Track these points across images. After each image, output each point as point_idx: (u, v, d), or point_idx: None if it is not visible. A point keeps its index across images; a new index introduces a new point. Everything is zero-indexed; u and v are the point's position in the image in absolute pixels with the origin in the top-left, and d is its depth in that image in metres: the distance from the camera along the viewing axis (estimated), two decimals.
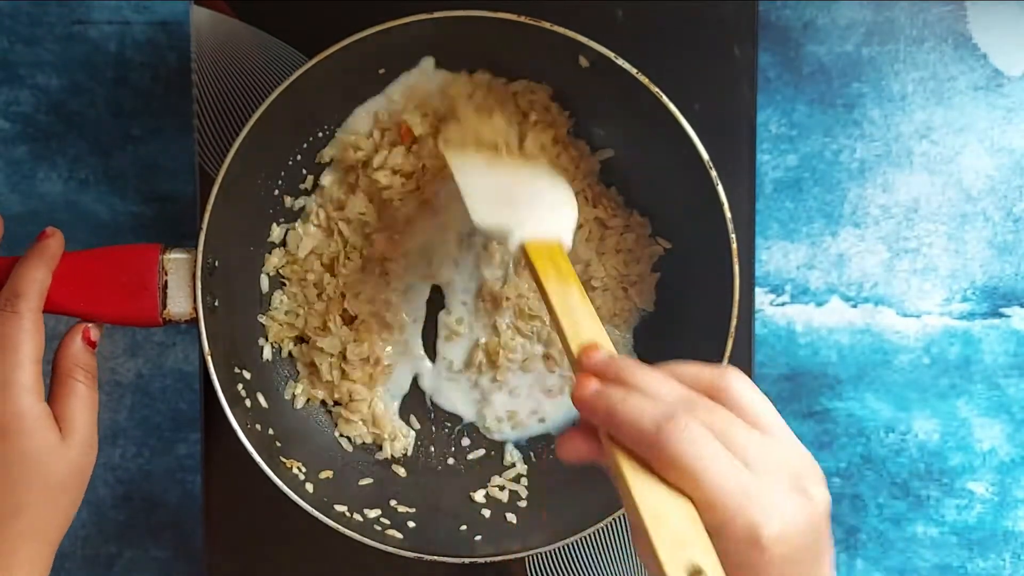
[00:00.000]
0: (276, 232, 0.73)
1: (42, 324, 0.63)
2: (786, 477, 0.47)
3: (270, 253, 0.73)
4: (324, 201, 0.73)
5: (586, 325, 0.55)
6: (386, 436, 0.75)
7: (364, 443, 0.75)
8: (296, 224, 0.73)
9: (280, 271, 0.74)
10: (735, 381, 0.49)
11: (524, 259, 0.61)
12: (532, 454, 0.75)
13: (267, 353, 0.74)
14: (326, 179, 0.73)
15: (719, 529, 0.45)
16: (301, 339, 0.74)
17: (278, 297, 0.74)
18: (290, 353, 0.74)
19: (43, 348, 0.62)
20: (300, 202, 0.73)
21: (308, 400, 0.74)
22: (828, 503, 0.48)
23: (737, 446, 0.46)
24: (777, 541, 0.45)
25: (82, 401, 0.64)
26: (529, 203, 0.66)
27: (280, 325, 0.73)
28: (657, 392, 0.48)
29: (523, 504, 0.73)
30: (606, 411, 0.48)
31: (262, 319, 0.73)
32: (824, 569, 0.48)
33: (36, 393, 0.61)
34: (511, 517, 0.73)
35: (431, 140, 0.71)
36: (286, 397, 0.74)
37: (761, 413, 0.48)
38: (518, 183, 0.68)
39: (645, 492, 0.45)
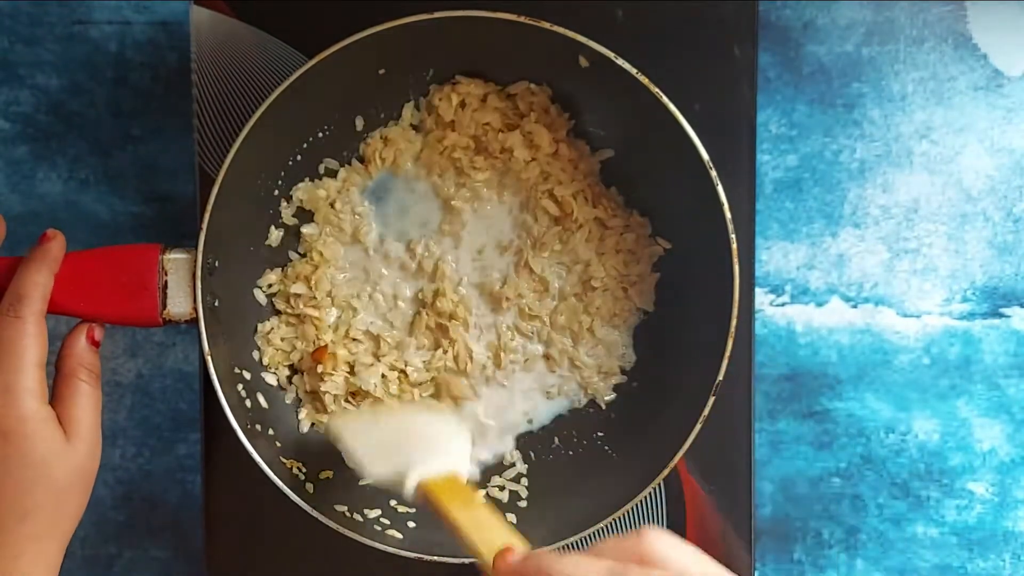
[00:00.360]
0: (274, 235, 0.73)
1: (45, 327, 0.63)
2: None
3: (270, 269, 0.73)
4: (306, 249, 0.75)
5: (498, 533, 0.54)
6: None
7: None
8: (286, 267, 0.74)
9: (273, 300, 0.74)
10: (656, 541, 0.48)
11: (425, 498, 0.61)
12: (532, 454, 0.75)
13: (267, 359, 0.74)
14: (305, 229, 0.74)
15: None
16: (295, 368, 0.75)
17: (273, 322, 0.74)
18: (289, 379, 0.74)
19: (46, 351, 0.62)
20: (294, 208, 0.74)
21: (314, 424, 0.74)
22: None
23: None
24: None
25: (86, 401, 0.64)
26: (419, 444, 0.66)
27: (275, 350, 0.73)
28: (587, 574, 0.47)
29: (523, 504, 0.73)
30: None
31: (257, 339, 0.73)
32: None
33: (40, 397, 0.61)
34: (511, 517, 0.73)
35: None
36: (302, 425, 0.74)
37: (689, 565, 0.48)
38: (404, 427, 0.69)
39: None
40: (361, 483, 0.66)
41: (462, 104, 0.72)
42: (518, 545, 0.53)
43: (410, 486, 0.62)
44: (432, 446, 0.66)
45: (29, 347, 0.61)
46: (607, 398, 0.75)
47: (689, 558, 0.48)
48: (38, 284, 0.63)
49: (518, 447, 0.75)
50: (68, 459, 0.62)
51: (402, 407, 0.72)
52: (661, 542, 0.48)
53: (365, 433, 0.68)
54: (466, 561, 0.68)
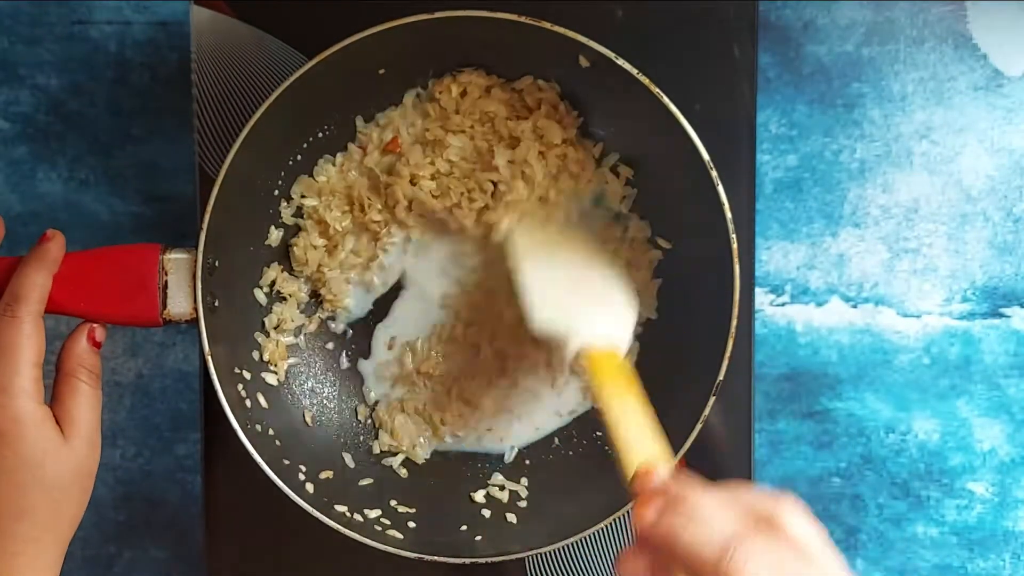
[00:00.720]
0: (274, 235, 0.73)
1: (42, 328, 0.63)
2: None
3: (268, 267, 0.73)
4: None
5: (642, 440, 0.55)
6: (404, 448, 0.75)
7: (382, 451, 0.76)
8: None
9: (280, 289, 0.74)
10: (793, 513, 0.49)
11: (583, 366, 0.61)
12: (532, 453, 0.75)
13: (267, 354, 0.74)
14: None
15: None
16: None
17: (275, 317, 0.74)
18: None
19: (43, 352, 0.62)
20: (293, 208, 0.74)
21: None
22: None
23: None
24: None
25: (86, 401, 0.64)
26: (588, 304, 0.66)
27: (276, 347, 0.73)
28: (715, 520, 0.48)
29: (523, 504, 0.73)
30: (666, 538, 0.48)
31: (259, 337, 0.73)
32: None
33: (36, 397, 0.61)
34: (511, 517, 0.73)
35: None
36: (307, 422, 0.74)
37: (815, 549, 0.48)
38: (578, 280, 0.68)
39: None
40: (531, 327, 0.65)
41: (463, 93, 0.72)
42: (660, 465, 0.53)
43: (572, 350, 0.61)
44: (602, 308, 0.65)
45: (26, 347, 0.61)
46: None
47: (816, 540, 0.48)
48: (36, 285, 0.63)
49: (519, 447, 0.76)
50: (66, 459, 0.62)
51: (586, 253, 0.70)
52: (796, 514, 0.49)
53: (543, 270, 0.67)
54: (467, 561, 0.68)
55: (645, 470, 0.53)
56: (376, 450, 0.75)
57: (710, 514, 0.48)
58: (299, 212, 0.74)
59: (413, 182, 0.72)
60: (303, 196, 0.73)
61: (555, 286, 0.66)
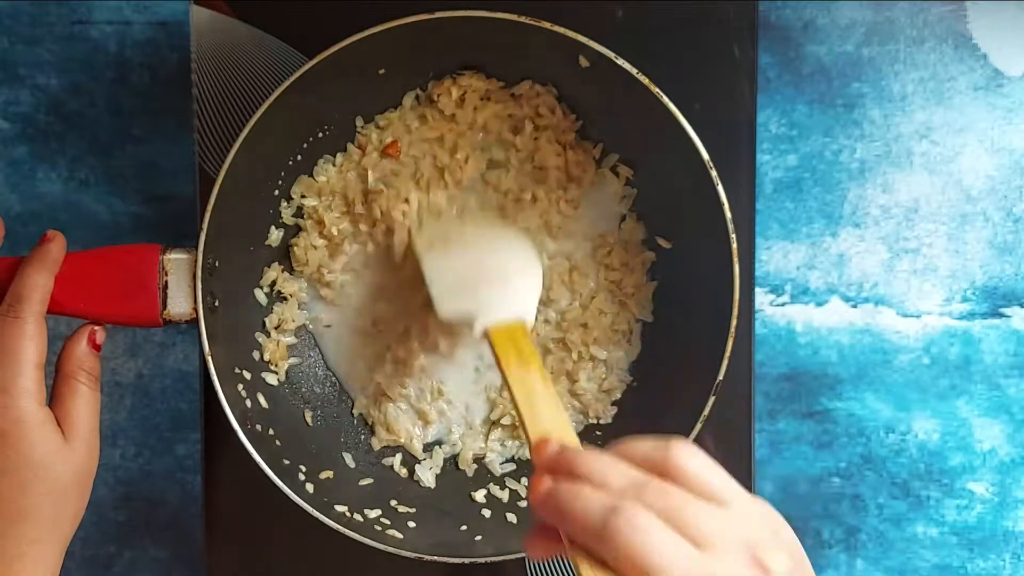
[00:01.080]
0: (274, 235, 0.73)
1: (44, 328, 0.63)
2: (742, 551, 0.46)
3: (268, 267, 0.73)
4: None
5: (544, 413, 0.55)
6: (403, 441, 0.75)
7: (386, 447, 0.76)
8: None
9: (280, 289, 0.74)
10: (682, 455, 0.47)
11: (488, 345, 0.63)
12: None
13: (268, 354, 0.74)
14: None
15: None
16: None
17: (275, 317, 0.74)
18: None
19: (45, 353, 0.62)
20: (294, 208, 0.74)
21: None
22: (788, 570, 0.46)
23: (689, 526, 0.45)
24: None
25: (85, 403, 0.64)
26: (492, 282, 0.67)
27: (277, 347, 0.74)
28: (605, 480, 0.47)
29: (523, 504, 0.73)
30: (557, 512, 0.47)
31: (259, 337, 0.73)
32: None
33: (38, 398, 0.61)
34: (511, 517, 0.73)
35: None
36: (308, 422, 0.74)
37: (713, 485, 0.47)
38: (482, 259, 0.69)
39: None
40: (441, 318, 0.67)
41: (462, 97, 0.72)
42: (559, 431, 0.53)
43: (478, 331, 0.64)
44: (505, 285, 0.67)
45: (28, 348, 0.61)
46: (608, 419, 0.75)
47: (711, 478, 0.47)
48: (38, 285, 0.63)
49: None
50: (66, 460, 0.62)
51: (479, 234, 0.72)
52: (687, 456, 0.47)
53: (442, 265, 0.69)
54: (466, 561, 0.68)
55: (541, 441, 0.52)
56: (376, 446, 0.75)
57: (597, 475, 0.47)
58: (299, 212, 0.74)
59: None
60: (303, 196, 0.73)
61: (454, 274, 0.68)
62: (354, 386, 0.76)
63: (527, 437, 0.54)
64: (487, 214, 0.73)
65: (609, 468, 0.48)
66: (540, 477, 0.49)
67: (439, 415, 0.75)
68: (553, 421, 0.55)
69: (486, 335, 0.63)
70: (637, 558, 0.44)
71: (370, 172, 0.72)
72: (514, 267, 0.69)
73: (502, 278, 0.68)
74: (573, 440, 0.53)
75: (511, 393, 0.57)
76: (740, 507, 0.47)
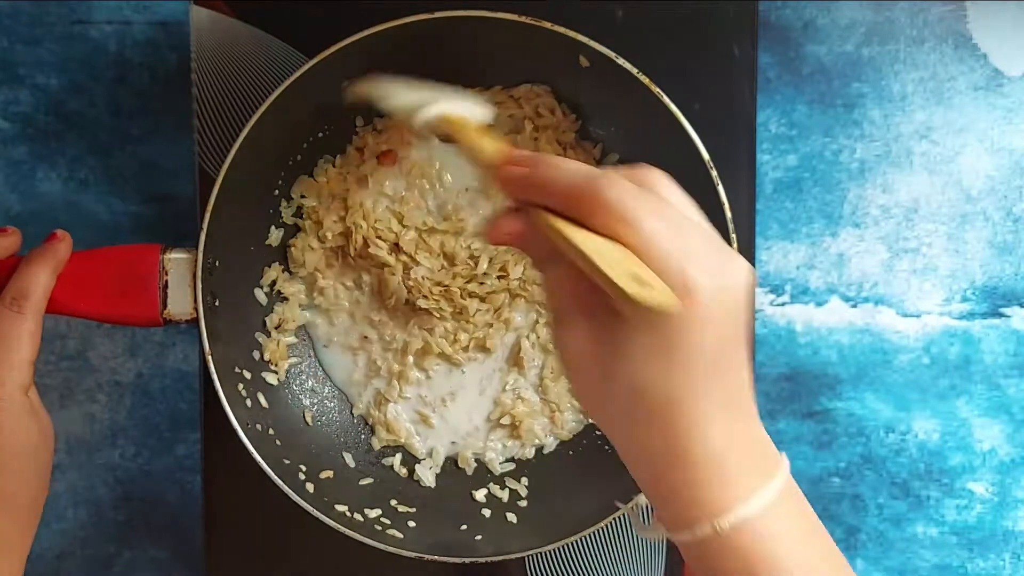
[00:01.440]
0: (274, 235, 0.73)
1: (41, 325, 0.63)
2: (711, 240, 0.47)
3: (268, 266, 0.73)
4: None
5: (504, 146, 0.53)
6: (403, 440, 0.75)
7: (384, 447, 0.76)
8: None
9: (280, 289, 0.74)
10: (659, 177, 0.49)
11: (439, 126, 0.59)
12: (532, 453, 0.75)
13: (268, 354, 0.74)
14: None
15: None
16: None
17: (276, 317, 0.74)
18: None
19: (38, 350, 0.63)
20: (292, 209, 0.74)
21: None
22: (751, 272, 0.48)
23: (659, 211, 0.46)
24: (707, 292, 0.44)
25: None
26: (444, 97, 0.63)
27: (277, 347, 0.74)
28: (580, 165, 0.48)
29: (523, 504, 0.73)
30: (538, 178, 0.47)
31: (259, 337, 0.73)
32: (742, 337, 0.47)
33: (25, 391, 0.62)
34: (511, 517, 0.73)
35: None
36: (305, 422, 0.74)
37: (672, 197, 0.48)
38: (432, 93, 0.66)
39: (583, 237, 0.45)
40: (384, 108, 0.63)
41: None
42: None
43: (428, 112, 0.59)
44: (456, 102, 0.63)
45: (26, 344, 0.62)
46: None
47: (677, 194, 0.48)
48: (41, 283, 0.63)
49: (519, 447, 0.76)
50: (45, 441, 0.64)
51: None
52: (663, 178, 0.48)
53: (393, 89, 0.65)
54: (466, 561, 0.68)
55: (506, 150, 0.51)
56: (376, 447, 0.75)
57: (570, 162, 0.48)
58: (299, 212, 0.74)
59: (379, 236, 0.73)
60: (303, 196, 0.73)
61: (408, 90, 0.64)
62: (351, 391, 0.76)
63: (485, 158, 0.52)
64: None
65: (573, 163, 0.48)
66: (513, 163, 0.49)
67: (440, 417, 0.75)
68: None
69: (437, 119, 0.59)
70: (623, 211, 0.45)
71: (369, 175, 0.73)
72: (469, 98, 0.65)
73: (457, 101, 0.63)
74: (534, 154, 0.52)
75: (467, 144, 0.55)
76: (702, 221, 0.49)
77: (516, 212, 0.50)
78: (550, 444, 0.75)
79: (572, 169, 0.47)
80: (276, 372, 0.73)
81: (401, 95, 0.62)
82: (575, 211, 0.46)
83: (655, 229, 0.44)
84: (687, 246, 0.45)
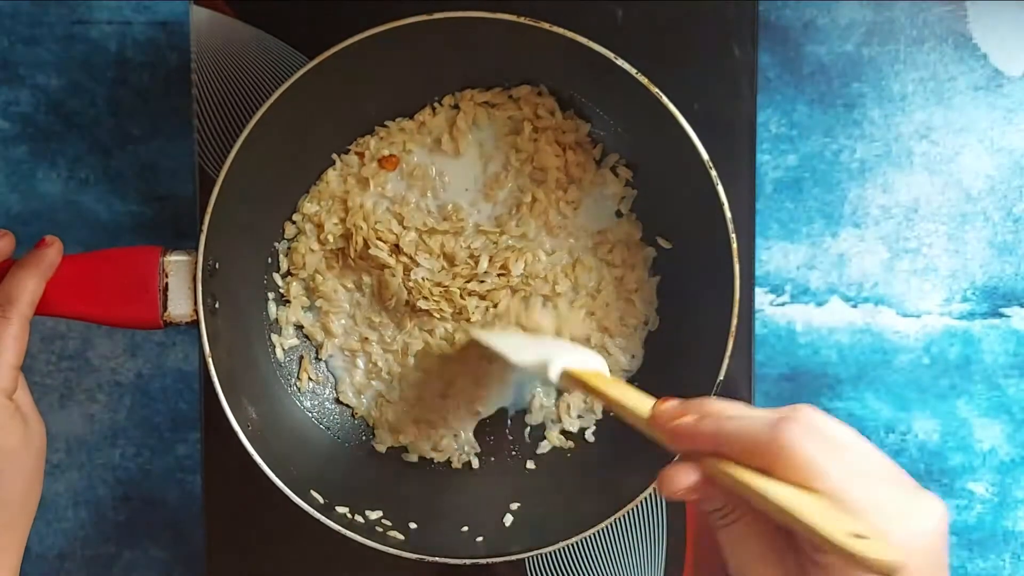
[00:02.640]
0: (275, 236, 0.73)
1: (28, 331, 0.63)
2: (899, 483, 0.45)
3: (269, 268, 0.74)
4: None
5: (645, 397, 0.53)
6: (404, 442, 0.76)
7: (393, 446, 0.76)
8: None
9: (281, 291, 0.75)
10: (809, 412, 0.46)
11: (571, 383, 0.61)
12: (532, 453, 0.75)
13: (279, 354, 0.74)
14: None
15: None
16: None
17: (276, 319, 0.74)
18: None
19: (24, 354, 0.63)
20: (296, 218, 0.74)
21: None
22: (944, 512, 0.45)
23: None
24: (904, 542, 0.43)
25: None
26: (563, 349, 0.66)
27: (278, 348, 0.74)
28: (746, 411, 0.47)
29: (523, 504, 0.73)
30: (713, 429, 0.46)
31: (260, 339, 0.74)
32: None
33: (9, 395, 0.62)
34: (511, 517, 0.73)
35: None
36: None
37: (846, 437, 0.46)
38: (548, 341, 0.71)
39: (775, 489, 0.43)
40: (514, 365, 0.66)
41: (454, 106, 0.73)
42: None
43: (555, 370, 0.61)
44: (576, 352, 0.65)
45: (11, 349, 0.62)
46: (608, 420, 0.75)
47: (844, 433, 0.46)
48: (28, 289, 0.63)
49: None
50: (30, 445, 0.63)
51: (540, 334, 0.73)
52: (818, 414, 0.46)
53: (510, 339, 0.69)
54: (467, 562, 0.68)
55: (659, 402, 0.51)
56: (377, 448, 0.75)
57: (737, 409, 0.47)
58: (300, 214, 0.74)
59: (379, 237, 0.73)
60: (304, 199, 0.73)
61: (527, 344, 0.68)
62: (352, 392, 0.75)
63: (638, 416, 0.52)
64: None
65: (743, 407, 0.47)
66: (677, 412, 0.48)
67: (441, 418, 0.75)
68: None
69: (566, 375, 0.61)
70: (813, 458, 0.43)
71: (371, 178, 0.73)
72: (581, 348, 0.69)
73: (572, 348, 0.68)
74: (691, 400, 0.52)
75: (607, 399, 0.55)
76: (879, 457, 0.46)
77: (688, 462, 0.48)
78: (546, 446, 0.75)
79: (744, 418, 0.46)
80: (277, 373, 0.73)
81: (521, 353, 0.64)
82: (755, 461, 0.45)
83: (843, 479, 0.43)
84: (877, 495, 0.44)
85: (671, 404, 0.50)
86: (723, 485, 0.46)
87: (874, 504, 0.43)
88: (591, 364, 0.62)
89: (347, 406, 0.75)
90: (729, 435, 0.46)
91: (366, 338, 0.75)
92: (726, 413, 0.47)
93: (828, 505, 0.43)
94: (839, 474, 0.43)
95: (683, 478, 0.47)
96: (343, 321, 0.75)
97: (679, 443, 0.48)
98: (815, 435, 0.44)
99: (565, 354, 0.63)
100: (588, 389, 0.58)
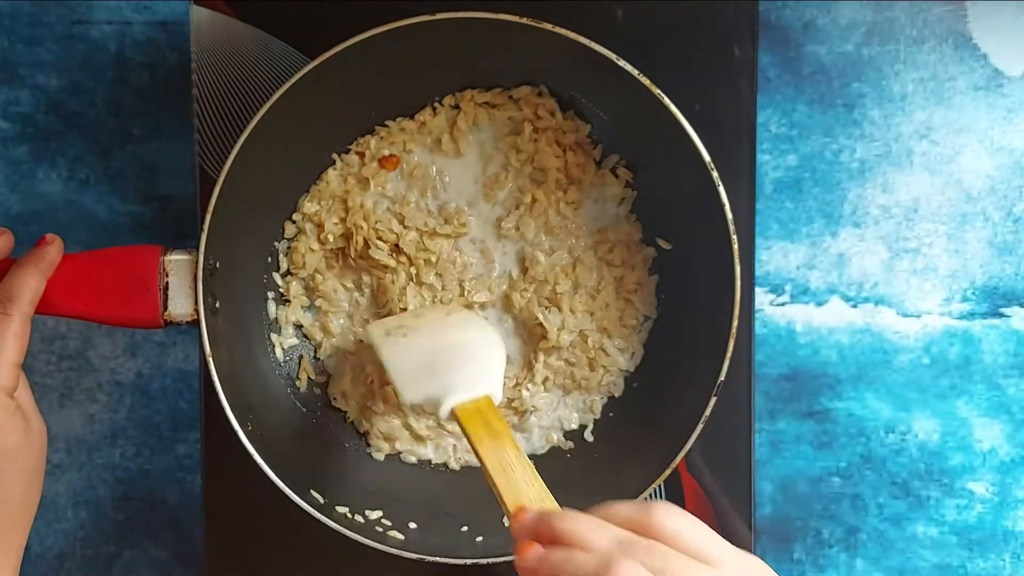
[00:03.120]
0: (275, 236, 0.73)
1: (29, 330, 0.63)
2: None
3: (269, 268, 0.74)
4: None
5: (520, 482, 0.55)
6: (400, 446, 0.75)
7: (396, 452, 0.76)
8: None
9: (281, 290, 0.74)
10: (666, 515, 0.48)
11: (458, 424, 0.62)
12: (532, 453, 0.75)
13: (279, 353, 0.74)
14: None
15: None
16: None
17: (276, 318, 0.74)
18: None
19: (25, 352, 0.63)
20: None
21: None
22: None
23: None
24: None
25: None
26: (453, 363, 0.66)
27: (278, 348, 0.74)
28: (591, 541, 0.48)
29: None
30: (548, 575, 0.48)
31: (260, 338, 0.74)
32: None
33: (10, 392, 0.62)
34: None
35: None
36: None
37: (702, 543, 0.48)
38: (440, 341, 0.68)
39: None
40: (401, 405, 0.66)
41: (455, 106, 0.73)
42: (537, 499, 0.53)
43: (445, 411, 0.63)
44: (468, 366, 0.66)
45: (12, 346, 0.62)
46: (609, 421, 0.75)
47: (698, 537, 0.47)
48: (29, 286, 0.63)
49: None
50: (30, 444, 0.63)
51: (435, 319, 0.71)
52: (671, 516, 0.48)
53: (401, 352, 0.68)
54: (467, 562, 0.68)
55: (518, 510, 0.52)
56: (376, 448, 0.75)
57: (585, 537, 0.48)
58: (300, 214, 0.74)
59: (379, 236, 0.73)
60: (304, 198, 0.73)
61: (414, 360, 0.67)
62: (351, 393, 0.75)
63: (505, 508, 0.54)
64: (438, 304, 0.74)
65: (594, 529, 0.48)
66: (524, 544, 0.49)
67: (428, 428, 0.75)
68: (530, 489, 0.55)
69: (453, 415, 0.62)
70: None
71: (371, 178, 0.73)
72: (474, 346, 0.68)
73: (464, 358, 0.67)
74: (552, 506, 0.53)
75: (484, 467, 0.57)
76: (731, 564, 0.47)
77: None
78: (545, 446, 0.75)
79: (581, 563, 0.47)
80: (277, 373, 0.73)
81: (408, 391, 0.65)
82: None
83: None
84: None
85: (527, 518, 0.51)
86: None
87: None
88: (483, 385, 0.64)
89: (347, 407, 0.75)
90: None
91: (360, 341, 0.75)
92: (563, 559, 0.48)
93: None
94: None
95: None
96: (341, 321, 0.75)
97: (524, 572, 0.49)
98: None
99: (459, 381, 0.64)
100: (471, 446, 0.59)
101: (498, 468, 0.56)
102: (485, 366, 0.66)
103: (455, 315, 0.71)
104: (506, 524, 0.54)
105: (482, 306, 0.74)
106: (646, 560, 0.46)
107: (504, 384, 0.73)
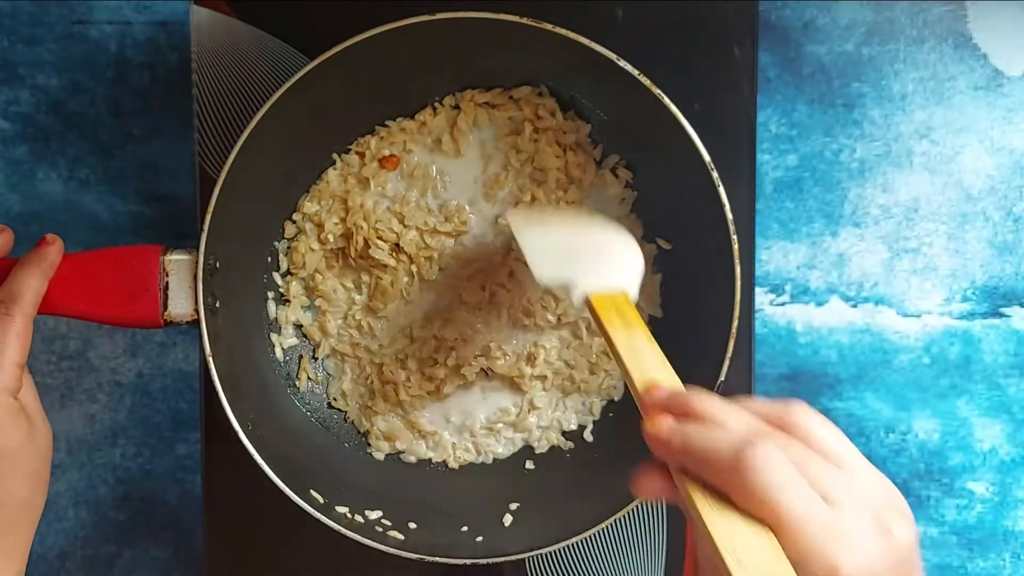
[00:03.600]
0: (275, 236, 0.73)
1: (31, 330, 0.63)
2: (868, 515, 0.45)
3: (269, 267, 0.74)
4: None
5: (650, 363, 0.53)
6: (400, 446, 0.75)
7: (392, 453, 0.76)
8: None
9: (281, 290, 0.74)
10: (806, 416, 0.47)
11: (589, 311, 0.60)
12: (533, 453, 0.75)
13: (279, 353, 0.74)
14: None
15: (796, 563, 0.43)
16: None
17: (276, 318, 0.74)
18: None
19: (28, 352, 0.63)
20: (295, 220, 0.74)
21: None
22: (913, 542, 0.46)
23: (816, 480, 0.45)
24: None
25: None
26: (591, 256, 0.65)
27: (278, 347, 0.74)
28: (729, 422, 0.47)
29: (523, 504, 0.73)
30: (681, 445, 0.47)
31: (260, 338, 0.74)
32: None
33: (14, 393, 0.62)
34: (508, 519, 0.72)
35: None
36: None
37: (837, 448, 0.47)
38: (579, 238, 0.68)
39: (722, 525, 0.44)
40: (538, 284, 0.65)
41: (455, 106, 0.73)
42: (669, 381, 0.52)
43: (577, 296, 0.61)
44: (605, 260, 0.65)
45: (14, 346, 0.62)
46: (609, 420, 0.75)
47: (835, 441, 0.47)
48: (31, 287, 0.63)
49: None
50: (35, 444, 0.63)
51: (576, 218, 0.70)
52: (811, 417, 0.47)
53: (540, 238, 0.67)
54: (467, 562, 0.68)
55: (651, 384, 0.51)
56: (376, 448, 0.75)
57: (721, 417, 0.47)
58: (300, 214, 0.74)
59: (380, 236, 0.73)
60: (304, 198, 0.73)
61: (553, 246, 0.66)
62: (351, 393, 0.75)
63: (634, 388, 0.52)
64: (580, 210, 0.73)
65: (733, 411, 0.47)
66: (658, 415, 0.48)
67: (440, 419, 0.75)
68: (660, 371, 0.53)
69: (587, 302, 0.60)
70: (769, 495, 0.43)
71: (371, 178, 0.73)
72: (614, 245, 0.67)
73: (604, 253, 0.66)
74: (681, 390, 0.51)
75: (615, 351, 0.55)
76: (863, 474, 0.46)
77: (656, 470, 0.49)
78: (545, 446, 0.75)
79: (714, 441, 0.46)
80: (277, 373, 0.73)
81: (545, 269, 0.63)
82: (717, 482, 0.45)
83: (801, 516, 0.43)
84: (838, 529, 0.43)
85: (660, 394, 0.50)
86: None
87: (827, 541, 0.43)
88: (620, 281, 0.62)
89: (347, 407, 0.75)
90: (695, 454, 0.46)
91: (356, 343, 0.75)
92: (696, 430, 0.47)
93: (769, 545, 0.43)
94: (795, 514, 0.43)
95: (650, 485, 0.49)
96: (338, 322, 0.75)
97: (651, 447, 0.49)
98: (775, 466, 0.44)
99: (595, 271, 0.62)
100: (601, 331, 0.58)
101: (628, 348, 0.55)
102: (624, 265, 0.65)
103: (596, 217, 0.70)
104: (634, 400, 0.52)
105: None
106: (782, 451, 0.45)
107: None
